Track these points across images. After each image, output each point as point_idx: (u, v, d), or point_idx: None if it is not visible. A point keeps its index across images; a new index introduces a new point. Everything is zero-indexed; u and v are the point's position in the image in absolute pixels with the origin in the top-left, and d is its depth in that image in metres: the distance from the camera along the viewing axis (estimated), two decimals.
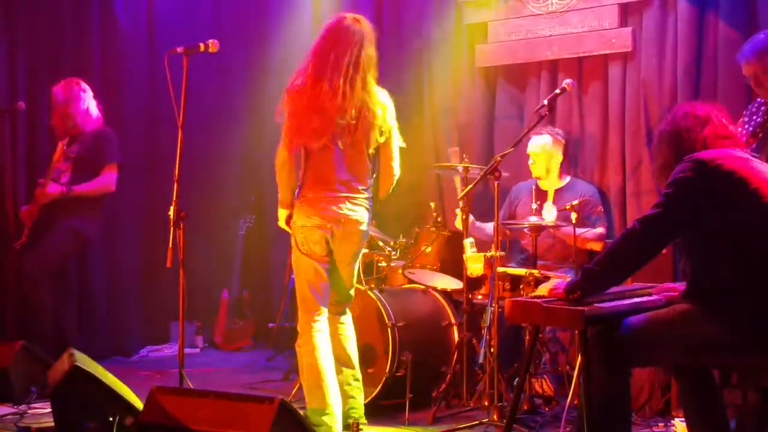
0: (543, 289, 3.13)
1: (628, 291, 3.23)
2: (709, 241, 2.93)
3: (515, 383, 3.90)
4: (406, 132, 4.00)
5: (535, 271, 4.21)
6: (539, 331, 4.05)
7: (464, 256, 4.48)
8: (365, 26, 3.81)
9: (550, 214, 4.74)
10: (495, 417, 4.04)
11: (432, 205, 4.97)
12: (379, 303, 4.49)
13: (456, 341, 4.57)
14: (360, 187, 3.83)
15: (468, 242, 4.53)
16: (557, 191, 4.93)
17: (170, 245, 3.69)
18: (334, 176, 3.78)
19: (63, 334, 5.35)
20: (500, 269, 4.23)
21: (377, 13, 5.93)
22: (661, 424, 4.13)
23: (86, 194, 5.33)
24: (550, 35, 5.28)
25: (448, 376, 4.45)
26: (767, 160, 3.48)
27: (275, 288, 6.50)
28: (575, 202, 4.40)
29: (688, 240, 3.01)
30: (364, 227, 3.85)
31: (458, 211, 4.67)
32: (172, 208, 3.76)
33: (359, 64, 3.73)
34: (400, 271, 4.90)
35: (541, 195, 4.88)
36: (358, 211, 3.82)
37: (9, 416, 4.18)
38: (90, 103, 5.46)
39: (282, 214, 3.92)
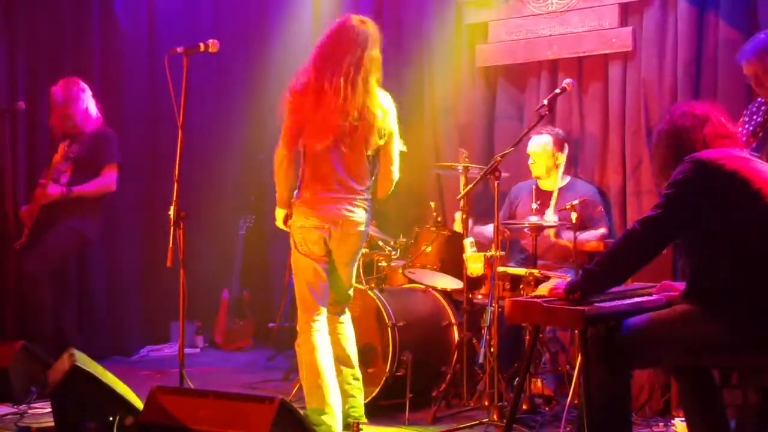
0: (543, 289, 3.12)
1: (629, 291, 3.23)
2: (709, 241, 2.92)
3: (515, 383, 3.90)
4: (406, 132, 4.00)
5: (535, 271, 4.20)
6: (539, 331, 4.05)
7: (464, 256, 4.48)
8: (371, 28, 3.79)
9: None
10: (495, 417, 4.04)
11: (432, 204, 4.96)
12: (379, 303, 4.49)
13: (456, 341, 4.57)
14: (359, 188, 3.82)
15: (468, 242, 4.53)
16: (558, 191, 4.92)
17: (170, 245, 3.70)
18: (332, 177, 3.77)
19: (63, 334, 5.36)
20: (500, 269, 4.23)
21: (377, 13, 5.90)
22: (661, 424, 4.14)
23: (86, 194, 5.33)
24: (550, 35, 5.27)
25: (448, 375, 4.45)
26: (767, 159, 3.48)
27: (275, 288, 6.51)
28: (575, 202, 4.39)
29: (688, 240, 3.00)
30: (362, 228, 3.84)
31: (457, 215, 4.67)
32: (172, 208, 3.76)
33: (361, 64, 3.71)
34: (400, 271, 4.90)
35: (541, 195, 4.88)
36: (356, 211, 3.81)
37: (9, 416, 4.18)
38: (89, 103, 5.45)
39: (279, 213, 3.91)
